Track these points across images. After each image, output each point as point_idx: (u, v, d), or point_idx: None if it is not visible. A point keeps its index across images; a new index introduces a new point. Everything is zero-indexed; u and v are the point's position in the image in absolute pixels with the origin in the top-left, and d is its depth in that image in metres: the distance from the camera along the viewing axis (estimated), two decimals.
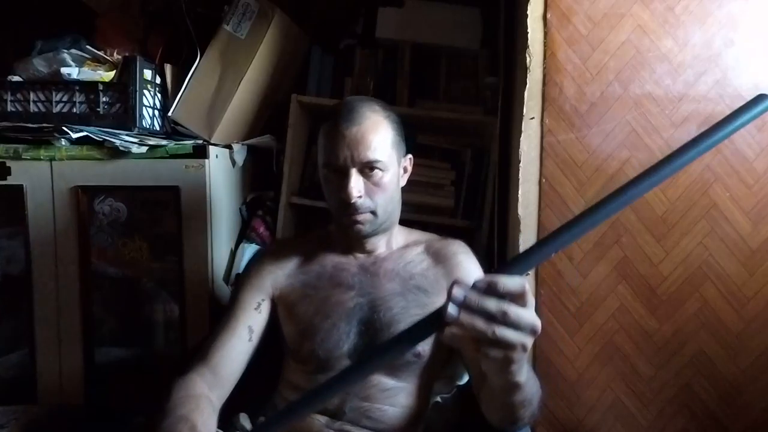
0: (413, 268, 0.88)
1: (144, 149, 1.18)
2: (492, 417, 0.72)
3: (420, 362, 0.83)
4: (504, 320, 0.43)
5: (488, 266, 1.01)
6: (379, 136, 0.79)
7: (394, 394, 0.82)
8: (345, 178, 0.78)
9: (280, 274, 0.88)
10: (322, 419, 0.80)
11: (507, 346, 0.44)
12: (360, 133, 0.78)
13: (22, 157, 1.19)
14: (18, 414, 1.14)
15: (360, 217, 0.79)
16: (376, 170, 0.79)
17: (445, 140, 1.40)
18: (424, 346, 0.82)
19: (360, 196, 0.78)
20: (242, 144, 1.36)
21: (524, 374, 0.53)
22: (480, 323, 0.43)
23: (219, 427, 0.83)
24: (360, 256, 0.89)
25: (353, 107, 0.80)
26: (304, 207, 1.40)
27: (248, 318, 0.84)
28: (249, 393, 0.96)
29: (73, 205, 1.21)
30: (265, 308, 0.86)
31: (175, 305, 1.26)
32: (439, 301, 0.84)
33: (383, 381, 0.81)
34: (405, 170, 0.90)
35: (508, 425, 0.69)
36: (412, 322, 0.81)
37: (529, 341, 0.44)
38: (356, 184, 0.77)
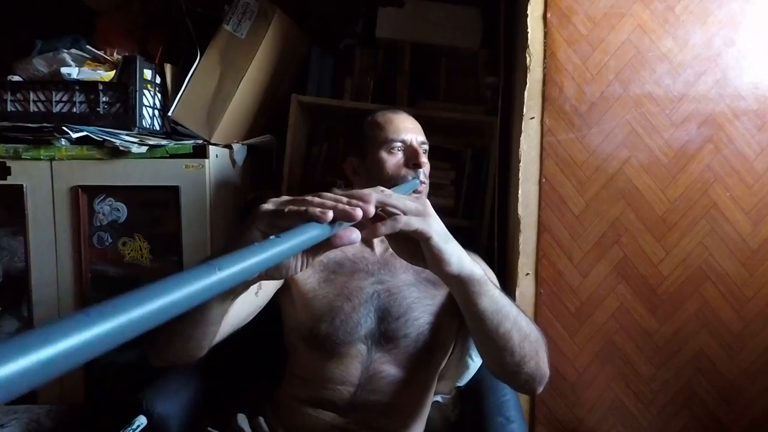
0: None
1: (144, 149, 1.18)
2: (494, 362, 0.71)
3: (434, 354, 0.85)
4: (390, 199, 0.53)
5: (488, 266, 1.01)
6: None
7: (402, 388, 0.82)
8: (413, 150, 0.95)
9: None
10: (329, 416, 0.80)
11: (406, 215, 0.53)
12: (416, 123, 1.00)
13: (22, 157, 1.19)
14: (18, 414, 1.15)
15: (422, 177, 0.93)
16: (425, 152, 0.97)
17: (445, 140, 1.40)
18: (446, 338, 0.86)
19: (424, 161, 0.95)
20: (242, 144, 1.36)
21: (484, 302, 0.62)
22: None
23: (216, 427, 0.83)
24: (378, 248, 0.94)
25: (399, 109, 1.05)
26: None
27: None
28: (246, 394, 0.97)
29: (73, 205, 1.21)
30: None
31: None
32: (444, 293, 0.86)
33: (393, 373, 0.82)
34: None
35: (514, 367, 0.68)
36: (425, 311, 0.82)
37: (420, 209, 0.55)
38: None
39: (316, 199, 0.47)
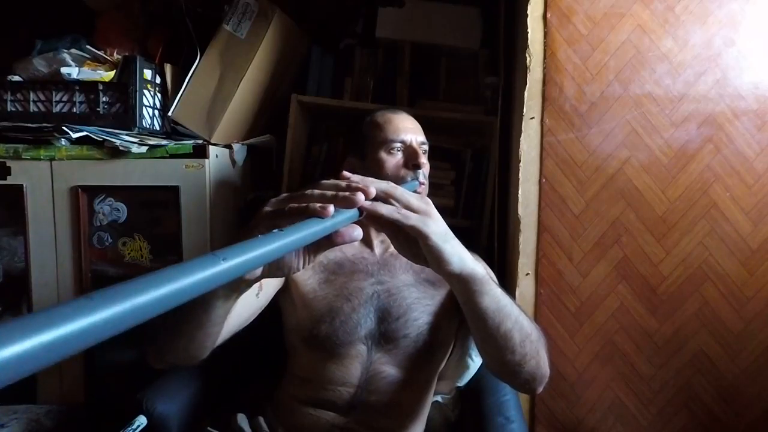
0: None
1: (144, 149, 1.18)
2: (494, 362, 0.71)
3: (433, 354, 0.85)
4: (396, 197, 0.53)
5: (488, 266, 1.01)
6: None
7: (402, 388, 0.82)
8: (412, 151, 0.94)
9: None
10: (329, 416, 0.80)
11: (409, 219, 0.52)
12: (415, 123, 1.00)
13: (22, 157, 1.19)
14: (18, 414, 1.14)
15: (421, 178, 0.93)
16: (425, 152, 0.97)
17: (445, 140, 1.40)
18: (445, 336, 0.87)
19: (424, 162, 0.94)
20: (242, 144, 1.36)
21: (486, 301, 0.61)
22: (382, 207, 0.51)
23: (216, 427, 0.83)
24: (378, 249, 0.94)
25: (398, 109, 1.06)
26: None
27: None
28: (246, 394, 0.97)
29: (73, 205, 1.21)
30: (279, 279, 0.86)
31: None
32: (443, 294, 0.86)
33: (393, 373, 0.82)
34: None
35: (515, 366, 0.68)
36: (425, 312, 0.82)
37: (423, 212, 0.54)
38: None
39: (316, 192, 0.47)
